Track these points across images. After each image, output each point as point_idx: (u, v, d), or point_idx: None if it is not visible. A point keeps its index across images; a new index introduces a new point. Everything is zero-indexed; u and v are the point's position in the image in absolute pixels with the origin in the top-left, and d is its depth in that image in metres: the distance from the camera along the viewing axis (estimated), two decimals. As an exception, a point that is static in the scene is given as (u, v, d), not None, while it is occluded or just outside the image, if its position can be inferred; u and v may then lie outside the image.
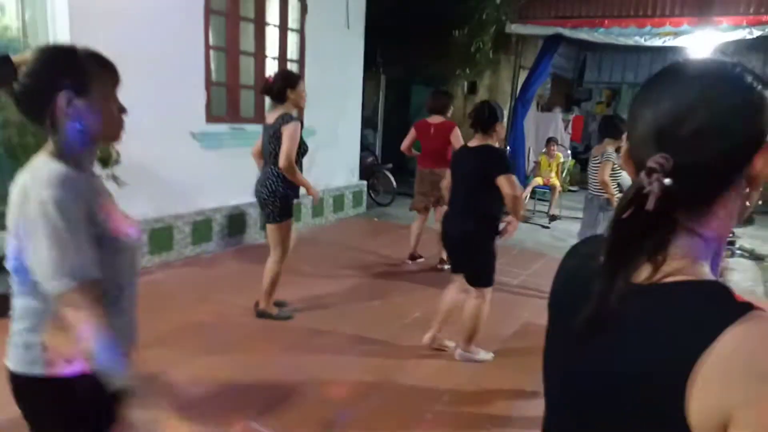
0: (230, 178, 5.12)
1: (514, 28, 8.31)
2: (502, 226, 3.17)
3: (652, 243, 0.65)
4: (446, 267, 4.89)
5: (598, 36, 7.69)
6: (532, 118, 9.87)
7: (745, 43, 6.90)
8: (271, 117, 3.54)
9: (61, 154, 1.23)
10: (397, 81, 10.18)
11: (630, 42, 7.50)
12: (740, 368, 0.55)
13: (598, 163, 4.26)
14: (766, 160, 0.65)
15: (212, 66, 5.06)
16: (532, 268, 5.45)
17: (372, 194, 7.95)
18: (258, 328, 3.64)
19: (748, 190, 0.68)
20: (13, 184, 1.22)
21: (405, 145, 5.12)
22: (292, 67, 5.99)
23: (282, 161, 3.39)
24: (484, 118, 3.15)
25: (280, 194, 3.53)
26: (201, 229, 5.06)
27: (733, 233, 6.01)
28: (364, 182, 7.52)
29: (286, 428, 2.56)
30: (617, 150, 4.20)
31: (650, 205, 0.61)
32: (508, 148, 9.16)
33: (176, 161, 4.72)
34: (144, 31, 4.31)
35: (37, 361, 1.24)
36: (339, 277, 4.75)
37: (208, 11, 4.89)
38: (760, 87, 0.66)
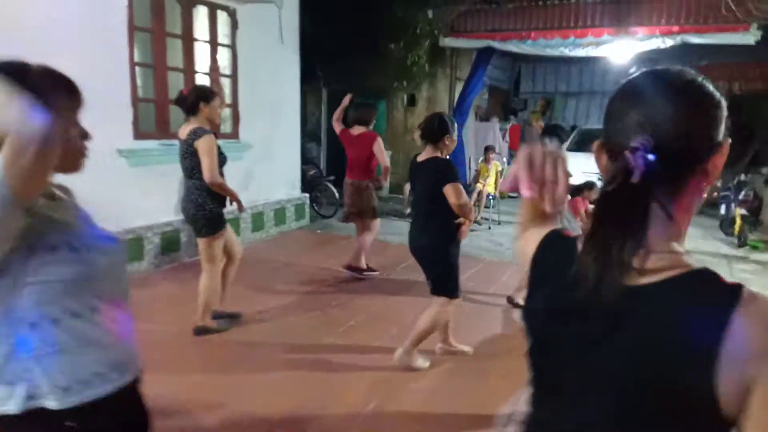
0: (161, 194, 5.00)
1: (447, 41, 8.57)
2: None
3: (635, 219, 0.72)
4: (372, 274, 5.00)
5: (525, 48, 8.03)
6: (471, 128, 10.15)
7: (663, 52, 7.35)
8: (184, 131, 3.51)
9: None
10: (339, 94, 10.26)
11: (555, 53, 7.87)
12: (757, 347, 0.65)
13: None
14: (721, 158, 0.76)
15: (138, 82, 4.98)
16: (468, 273, 5.55)
17: (315, 207, 7.95)
18: (193, 347, 3.57)
19: (704, 184, 0.78)
20: None
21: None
22: (224, 81, 5.96)
23: (207, 176, 3.37)
24: (433, 130, 3.17)
25: (207, 207, 3.50)
26: (132, 248, 4.93)
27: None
28: (306, 195, 7.51)
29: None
30: None
31: (636, 177, 0.70)
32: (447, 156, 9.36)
33: (103, 179, 4.53)
34: (66, 50, 4.19)
35: None
36: (278, 291, 4.72)
37: (132, 28, 4.82)
38: (720, 96, 0.78)
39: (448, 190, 3.00)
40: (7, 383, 1.09)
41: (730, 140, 0.78)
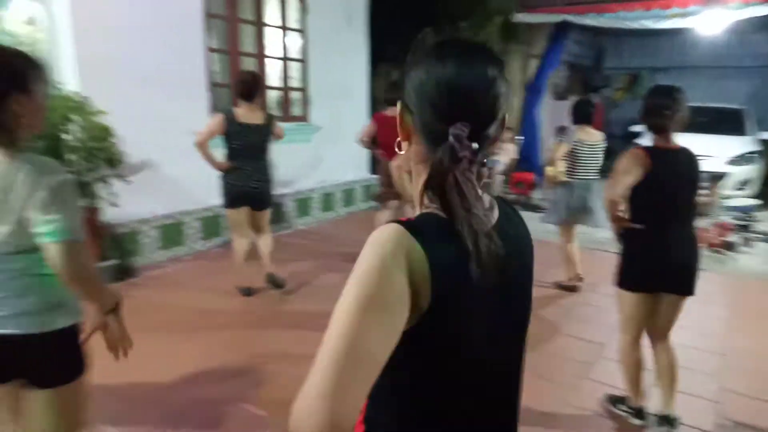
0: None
1: (521, 17, 8.29)
2: None
3: (476, 185, 0.80)
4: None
5: (604, 21, 7.61)
6: (546, 107, 9.80)
7: (756, 21, 6.71)
8: (255, 116, 3.81)
9: (12, 143, 1.40)
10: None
11: (636, 25, 7.40)
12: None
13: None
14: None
15: (214, 68, 5.27)
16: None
17: (385, 188, 8.05)
18: (258, 312, 3.81)
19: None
20: None
21: (363, 135, 4.95)
22: (295, 65, 6.16)
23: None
24: None
25: (273, 182, 4.08)
26: (210, 224, 5.28)
27: (752, 217, 5.89)
28: (376, 176, 7.62)
29: (274, 405, 2.70)
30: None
31: (465, 164, 0.76)
32: (521, 137, 9.13)
33: (182, 160, 4.92)
34: (146, 39, 4.54)
35: None
36: (338, 266, 4.89)
37: (207, 15, 5.09)
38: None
39: None
40: None
41: None
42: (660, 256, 2.41)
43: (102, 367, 1.72)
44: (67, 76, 4.22)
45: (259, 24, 5.68)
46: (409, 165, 0.89)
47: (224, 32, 5.40)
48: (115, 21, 4.35)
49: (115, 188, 4.27)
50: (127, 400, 2.69)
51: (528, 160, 9.02)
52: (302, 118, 6.30)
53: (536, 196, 7.72)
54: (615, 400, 2.74)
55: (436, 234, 0.78)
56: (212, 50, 5.24)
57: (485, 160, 0.82)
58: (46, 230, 1.38)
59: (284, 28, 5.98)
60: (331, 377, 0.64)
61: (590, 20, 7.69)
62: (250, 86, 3.78)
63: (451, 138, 0.77)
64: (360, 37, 7.04)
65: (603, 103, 12.08)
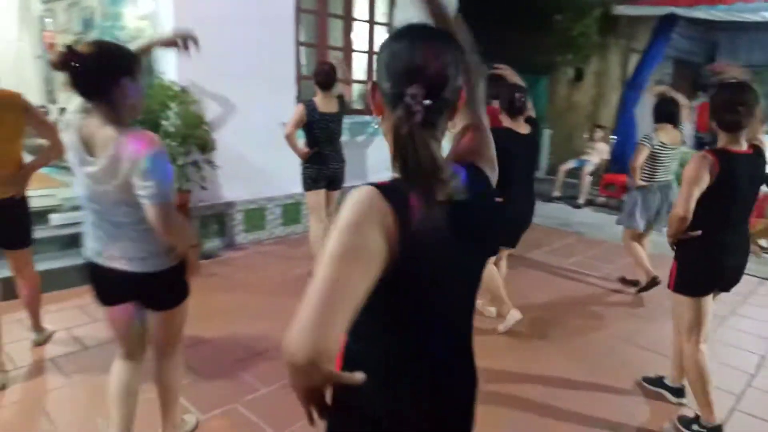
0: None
1: (622, 9, 7.81)
2: None
3: (433, 147, 0.88)
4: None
5: (718, 14, 6.99)
6: (647, 105, 9.19)
7: None
8: (331, 105, 4.08)
9: (119, 120, 1.70)
10: (499, 71, 10.03)
11: (757, 18, 6.72)
12: None
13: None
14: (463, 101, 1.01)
15: (302, 61, 5.47)
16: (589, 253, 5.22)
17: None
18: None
19: (450, 126, 1.02)
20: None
21: None
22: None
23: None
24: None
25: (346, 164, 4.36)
26: (290, 211, 5.51)
27: None
28: (454, 172, 7.57)
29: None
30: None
31: (418, 118, 0.86)
32: (615, 137, 8.65)
33: (268, 149, 5.17)
34: (240, 32, 4.80)
35: None
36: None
37: (299, 10, 5.28)
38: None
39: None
40: None
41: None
42: (719, 258, 2.35)
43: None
44: (168, 66, 4.57)
45: (347, 18, 5.81)
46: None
47: (313, 26, 5.58)
48: (212, 16, 4.62)
49: (206, 173, 4.58)
50: (200, 358, 2.91)
51: (621, 161, 8.52)
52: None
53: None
54: (686, 422, 2.55)
55: (403, 195, 0.87)
56: (301, 44, 5.43)
57: (440, 123, 0.96)
58: (145, 194, 1.66)
59: (372, 22, 6.07)
60: (316, 313, 0.77)
61: (701, 13, 7.10)
62: (328, 77, 4.00)
63: (406, 97, 0.87)
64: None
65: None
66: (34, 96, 6.30)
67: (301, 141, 4.16)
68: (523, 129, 3.27)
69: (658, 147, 3.97)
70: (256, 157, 5.06)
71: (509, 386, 2.88)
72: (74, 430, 2.35)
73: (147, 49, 2.11)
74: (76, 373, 2.77)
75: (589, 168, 7.76)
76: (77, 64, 1.61)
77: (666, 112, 4.02)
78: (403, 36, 0.98)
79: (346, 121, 4.49)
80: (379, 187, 0.88)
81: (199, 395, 2.59)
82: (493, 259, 3.45)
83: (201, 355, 3.00)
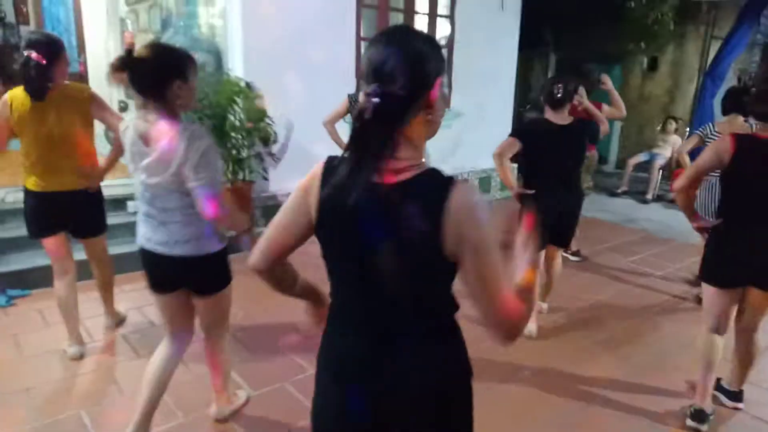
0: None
1: (703, -7, 7.34)
2: None
3: (380, 141, 1.00)
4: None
5: (811, -5, 6.41)
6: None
7: None
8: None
9: (173, 116, 1.88)
10: (568, 60, 9.71)
11: None
12: (465, 210, 1.00)
13: None
14: (437, 92, 1.03)
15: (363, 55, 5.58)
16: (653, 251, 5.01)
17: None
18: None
19: (429, 116, 1.05)
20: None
21: None
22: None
23: None
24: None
25: None
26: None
27: None
28: (515, 165, 7.44)
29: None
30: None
31: (368, 114, 0.98)
32: (689, 130, 8.18)
33: (327, 141, 5.33)
34: (303, 27, 4.98)
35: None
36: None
37: (360, 5, 5.39)
38: (438, 43, 1.08)
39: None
40: None
41: (443, 77, 1.04)
42: (742, 252, 2.28)
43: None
44: (236, 63, 4.82)
45: (408, 12, 5.86)
46: None
47: (374, 21, 5.67)
48: (277, 15, 4.82)
49: (267, 164, 4.80)
50: (253, 337, 3.10)
51: (697, 156, 8.07)
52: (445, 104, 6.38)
53: (701, 196, 6.89)
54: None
55: (337, 171, 1.05)
56: (362, 39, 5.54)
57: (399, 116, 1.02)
58: (196, 184, 1.82)
59: (433, 15, 6.08)
60: (261, 241, 1.20)
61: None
62: None
63: (361, 95, 1.01)
64: (512, 21, 6.86)
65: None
66: (116, 92, 6.81)
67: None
68: (562, 120, 3.13)
69: (715, 136, 3.74)
70: (315, 149, 5.19)
71: (552, 380, 2.87)
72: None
73: None
74: (143, 347, 3.03)
75: (659, 162, 7.41)
76: (134, 67, 1.80)
77: (735, 103, 3.78)
78: (372, 39, 1.08)
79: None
80: (327, 160, 1.14)
81: (251, 372, 2.78)
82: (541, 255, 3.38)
83: (254, 334, 3.20)
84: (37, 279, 3.69)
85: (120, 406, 2.54)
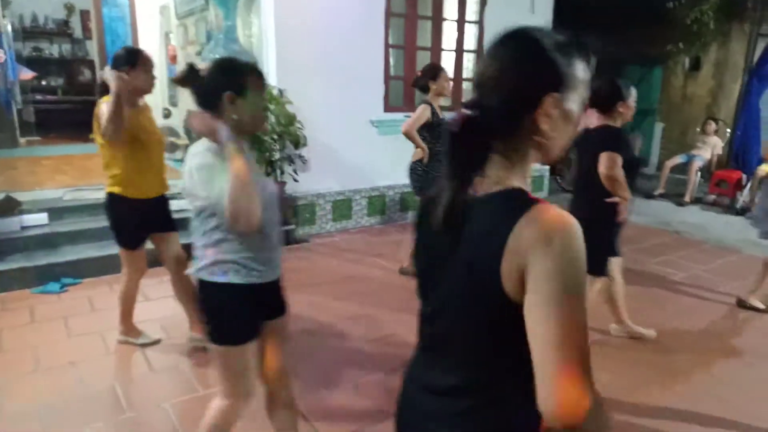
0: (403, 160, 5.81)
1: (747, -9, 7.14)
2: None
3: (473, 156, 0.90)
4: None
5: None
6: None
7: None
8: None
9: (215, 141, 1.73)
10: (608, 62, 9.58)
11: None
12: (531, 237, 0.80)
13: None
14: (546, 113, 0.87)
15: (391, 62, 5.80)
16: (710, 264, 4.89)
17: (558, 179, 7.82)
18: (397, 286, 4.26)
19: (538, 138, 0.89)
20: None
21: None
22: (468, 57, 6.38)
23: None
24: (602, 96, 3.01)
25: None
26: (375, 203, 5.90)
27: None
28: (547, 167, 7.47)
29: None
30: None
31: (455, 127, 0.88)
32: (732, 132, 7.95)
33: (357, 144, 5.60)
34: (333, 36, 5.26)
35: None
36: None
37: (389, 14, 5.63)
38: (548, 52, 0.88)
39: (602, 158, 2.83)
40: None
41: (556, 95, 0.86)
42: None
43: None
44: (270, 72, 5.15)
45: (437, 19, 6.04)
46: None
47: (402, 29, 5.88)
48: (308, 24, 5.12)
49: (298, 166, 5.11)
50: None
51: (741, 157, 7.82)
52: (473, 108, 6.51)
53: (744, 198, 6.70)
54: None
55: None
56: (390, 46, 5.77)
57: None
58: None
59: (461, 21, 6.23)
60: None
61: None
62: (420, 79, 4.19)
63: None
64: (543, 23, 6.84)
65: None
66: (160, 100, 7.34)
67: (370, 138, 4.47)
68: (588, 125, 3.05)
69: None
70: (345, 152, 5.50)
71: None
72: (168, 376, 2.92)
73: None
74: (174, 331, 3.35)
75: (698, 163, 7.24)
76: (195, 81, 1.80)
77: None
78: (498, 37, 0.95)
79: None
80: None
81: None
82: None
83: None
84: (88, 269, 4.12)
85: (149, 381, 2.87)
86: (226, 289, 1.78)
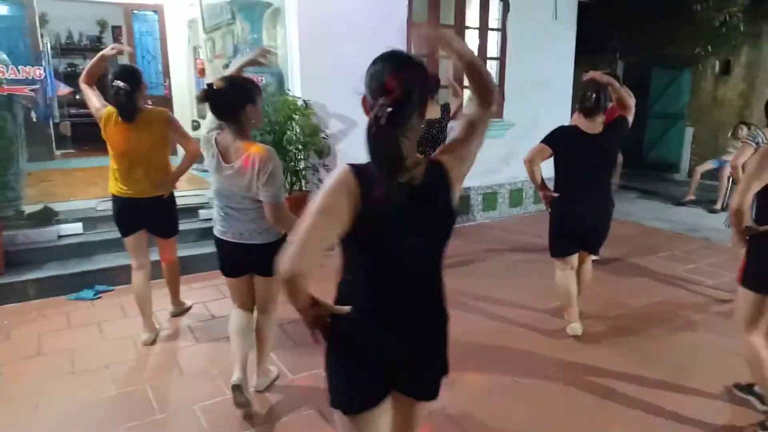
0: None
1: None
2: None
3: (395, 143, 1.23)
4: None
5: None
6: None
7: None
8: (432, 112, 4.40)
9: (245, 134, 2.37)
10: (635, 65, 9.47)
11: None
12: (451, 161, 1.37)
13: None
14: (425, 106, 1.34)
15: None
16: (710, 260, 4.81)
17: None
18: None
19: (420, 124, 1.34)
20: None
21: None
22: (491, 65, 6.40)
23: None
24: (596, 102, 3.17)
25: None
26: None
27: None
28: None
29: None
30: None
31: (383, 121, 1.19)
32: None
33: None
34: (356, 47, 5.30)
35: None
36: (512, 258, 5.05)
37: (410, 23, 5.68)
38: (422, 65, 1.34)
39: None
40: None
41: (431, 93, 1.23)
42: None
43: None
44: (294, 84, 5.26)
45: (459, 27, 6.07)
46: None
47: (425, 37, 5.93)
48: (331, 37, 5.20)
49: (322, 175, 5.17)
50: (300, 331, 3.41)
51: None
52: (496, 115, 6.51)
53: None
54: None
55: (370, 173, 1.24)
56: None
57: (407, 125, 1.25)
58: (264, 196, 2.31)
59: (484, 28, 6.25)
60: (297, 250, 1.20)
61: None
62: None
63: (376, 106, 1.21)
64: (567, 29, 6.88)
65: None
66: (188, 113, 7.52)
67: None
68: (593, 129, 3.16)
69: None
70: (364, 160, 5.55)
71: (578, 378, 2.96)
72: (197, 379, 2.98)
73: (240, 70, 2.63)
74: (203, 336, 3.45)
75: (729, 169, 7.07)
76: (214, 98, 2.31)
77: None
78: (379, 61, 1.31)
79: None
80: (354, 166, 1.28)
81: (293, 359, 3.10)
82: (574, 264, 3.41)
83: (301, 329, 3.50)
84: (120, 276, 4.24)
85: (179, 384, 2.94)
86: None
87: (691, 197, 7.33)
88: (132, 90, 3.01)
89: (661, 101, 9.43)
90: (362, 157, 1.28)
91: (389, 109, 1.18)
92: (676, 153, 9.24)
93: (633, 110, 3.22)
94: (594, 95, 3.12)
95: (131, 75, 3.06)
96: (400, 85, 1.21)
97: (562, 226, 3.36)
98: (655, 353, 3.28)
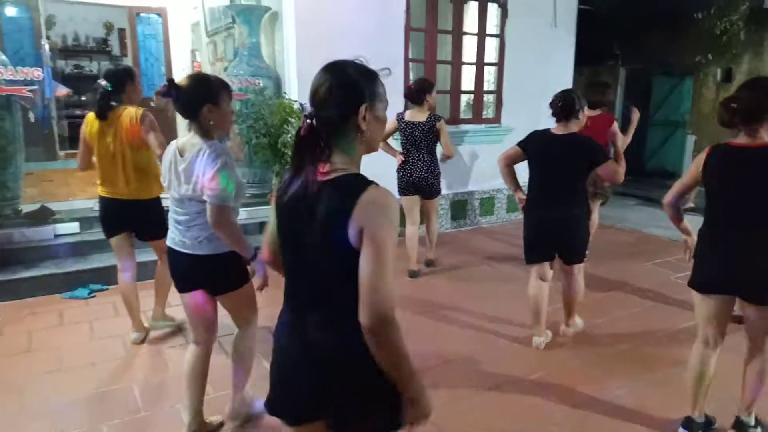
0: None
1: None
2: None
3: (318, 150, 1.25)
4: None
5: None
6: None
7: None
8: (419, 116, 4.43)
9: (207, 135, 2.19)
10: (638, 72, 9.46)
11: None
12: (369, 206, 1.17)
13: None
14: (363, 118, 1.26)
15: (411, 76, 5.89)
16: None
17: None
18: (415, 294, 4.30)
19: (361, 135, 1.28)
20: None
21: None
22: (490, 70, 6.41)
23: (449, 150, 4.54)
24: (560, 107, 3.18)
25: (438, 174, 4.62)
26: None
27: None
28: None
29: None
30: None
31: (304, 132, 1.25)
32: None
33: (376, 157, 5.64)
34: (353, 51, 5.33)
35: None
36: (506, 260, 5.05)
37: (408, 29, 5.71)
38: (358, 75, 1.29)
39: (610, 166, 3.11)
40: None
41: (365, 104, 1.25)
42: (720, 260, 2.27)
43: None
44: (291, 87, 5.30)
45: (457, 33, 6.10)
46: None
47: (423, 43, 5.97)
48: (329, 41, 5.22)
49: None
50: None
51: None
52: (494, 120, 6.53)
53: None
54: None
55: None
56: (411, 61, 5.85)
57: (325, 131, 1.25)
58: (207, 195, 2.08)
59: (482, 35, 6.27)
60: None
61: None
62: (412, 93, 4.49)
63: (303, 115, 1.26)
64: (566, 36, 6.88)
65: None
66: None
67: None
68: (562, 131, 3.16)
69: None
70: (363, 164, 5.58)
71: (557, 389, 2.97)
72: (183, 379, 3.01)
73: None
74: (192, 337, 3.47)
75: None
76: (175, 95, 2.15)
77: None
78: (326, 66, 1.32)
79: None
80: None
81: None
82: (546, 275, 3.36)
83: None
84: (115, 276, 4.24)
85: (165, 384, 2.97)
86: None
87: (692, 204, 7.29)
88: (113, 90, 3.06)
89: (662, 109, 9.42)
90: (364, 162, 1.34)
91: (308, 121, 1.26)
92: (677, 161, 9.20)
93: (619, 179, 3.20)
94: (560, 102, 3.13)
95: (114, 75, 3.11)
96: (322, 94, 1.27)
97: (531, 230, 3.29)
98: (638, 363, 3.26)
